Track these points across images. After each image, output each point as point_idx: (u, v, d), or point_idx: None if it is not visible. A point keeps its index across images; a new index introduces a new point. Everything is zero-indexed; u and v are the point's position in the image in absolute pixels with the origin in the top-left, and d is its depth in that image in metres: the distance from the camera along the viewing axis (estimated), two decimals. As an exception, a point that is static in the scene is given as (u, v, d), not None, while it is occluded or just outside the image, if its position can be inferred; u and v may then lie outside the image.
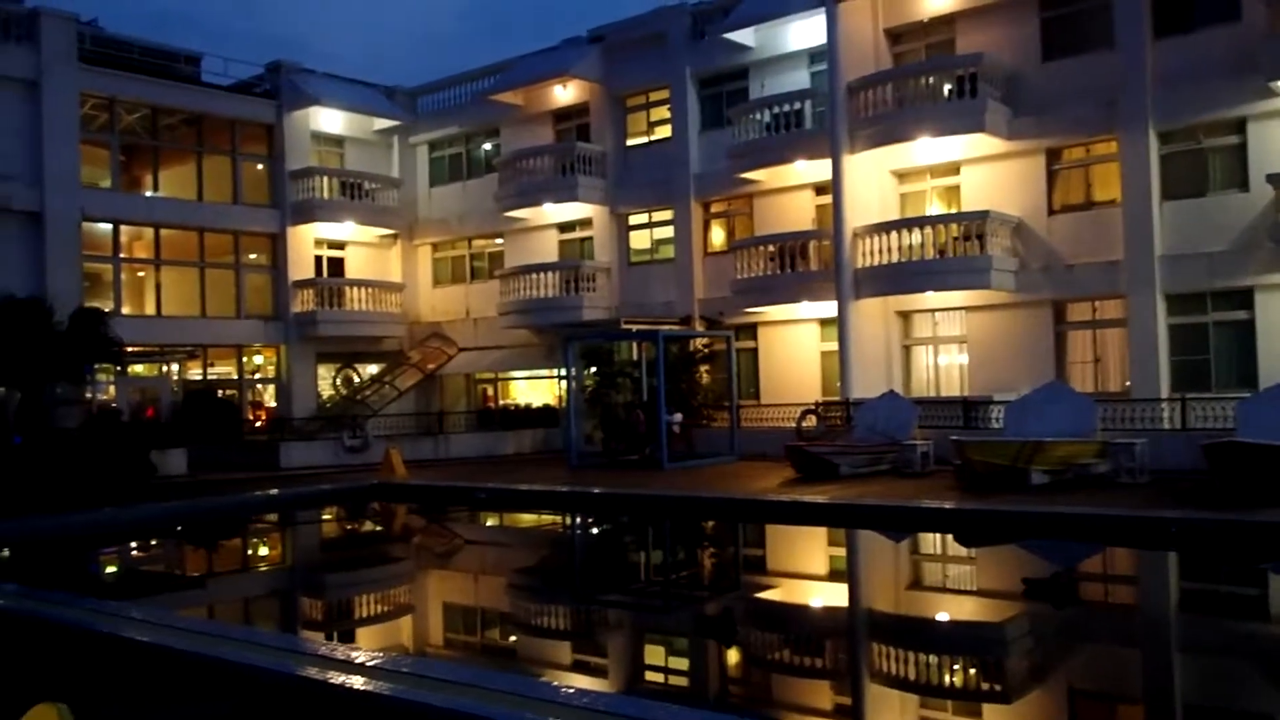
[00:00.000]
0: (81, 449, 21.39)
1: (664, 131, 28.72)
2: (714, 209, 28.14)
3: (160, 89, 30.02)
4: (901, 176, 24.45)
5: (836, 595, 12.52)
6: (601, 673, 8.96)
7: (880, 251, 23.12)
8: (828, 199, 24.57)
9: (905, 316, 24.42)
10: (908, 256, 22.67)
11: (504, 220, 31.06)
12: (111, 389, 28.48)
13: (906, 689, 8.03)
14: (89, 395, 27.17)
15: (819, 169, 24.54)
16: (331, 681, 6.12)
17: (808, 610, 11.61)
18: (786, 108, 24.92)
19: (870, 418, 20.78)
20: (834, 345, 24.43)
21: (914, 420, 20.42)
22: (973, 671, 8.54)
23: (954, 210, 23.32)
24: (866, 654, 9.48)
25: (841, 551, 15.07)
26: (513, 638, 10.65)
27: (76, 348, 22.06)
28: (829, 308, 24.15)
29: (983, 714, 7.46)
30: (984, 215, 21.93)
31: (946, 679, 8.39)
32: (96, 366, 25.17)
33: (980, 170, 23.06)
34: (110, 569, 16.14)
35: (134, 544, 17.53)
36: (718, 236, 28.05)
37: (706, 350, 26.71)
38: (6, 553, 15.64)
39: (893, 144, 23.24)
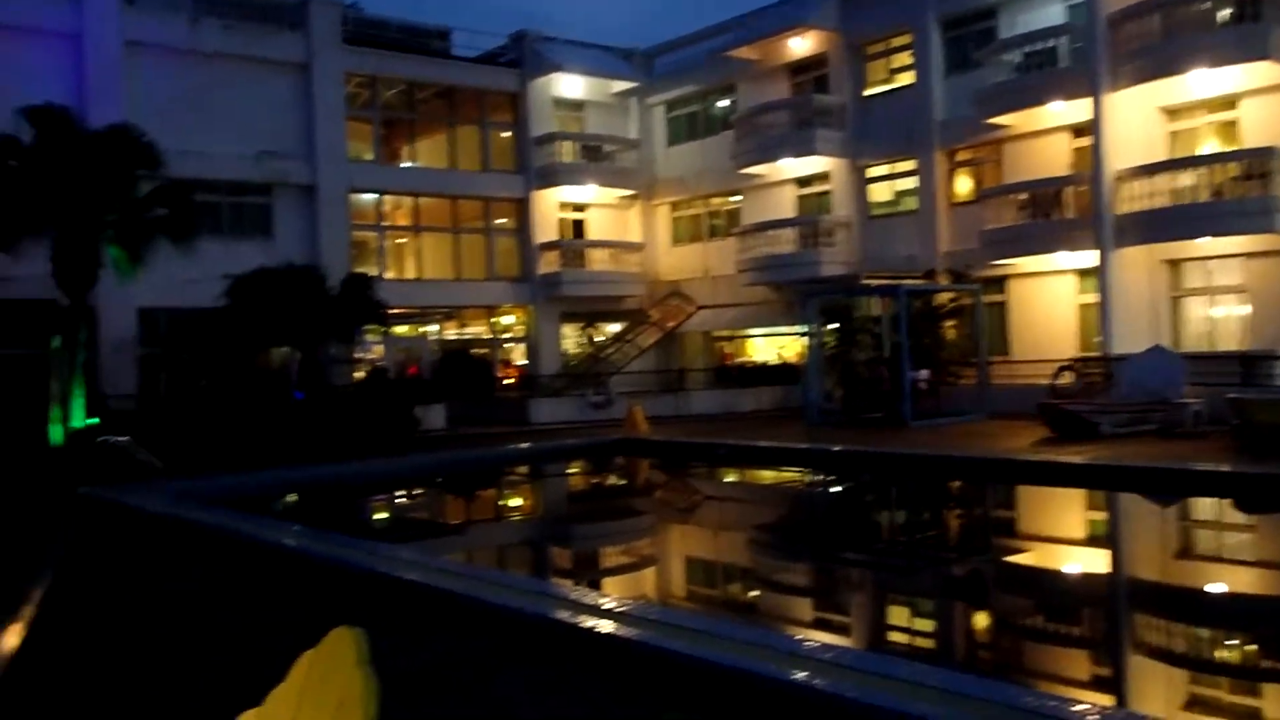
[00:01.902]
0: (355, 405, 23.12)
1: (905, 79, 27.76)
2: (959, 157, 27.01)
3: (415, 65, 31.66)
4: (1170, 113, 22.63)
5: (1096, 561, 11.88)
6: (843, 630, 8.89)
7: (1146, 195, 21.55)
8: (1086, 141, 23.09)
9: (1174, 265, 22.69)
10: (1178, 200, 21.02)
11: (741, 177, 30.99)
12: (378, 349, 30.53)
13: (1174, 663, 7.54)
14: (358, 355, 29.22)
15: (1076, 110, 23.08)
16: (582, 625, 6.36)
17: (1064, 576, 11.07)
18: (1039, 46, 23.54)
19: (1134, 374, 19.50)
20: (1093, 297, 23.04)
21: (1183, 376, 19.01)
22: (1251, 649, 7.92)
23: (1232, 148, 21.40)
24: (1130, 625, 8.96)
25: (1102, 516, 14.28)
26: (753, 592, 10.72)
27: (348, 311, 23.75)
28: (1087, 257, 22.77)
29: (1262, 695, 6.91)
30: (1268, 152, 20.02)
31: (1220, 655, 7.82)
32: (365, 328, 27.02)
33: (1264, 102, 21.01)
34: (380, 515, 17.39)
35: (401, 492, 18.81)
36: (963, 186, 26.93)
37: (952, 305, 25.77)
38: (293, 498, 17.11)
39: (1160, 78, 21.53)
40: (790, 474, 18.68)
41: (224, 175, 27.15)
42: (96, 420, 20.04)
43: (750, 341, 33.69)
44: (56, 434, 20.11)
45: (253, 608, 8.08)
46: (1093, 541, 12.93)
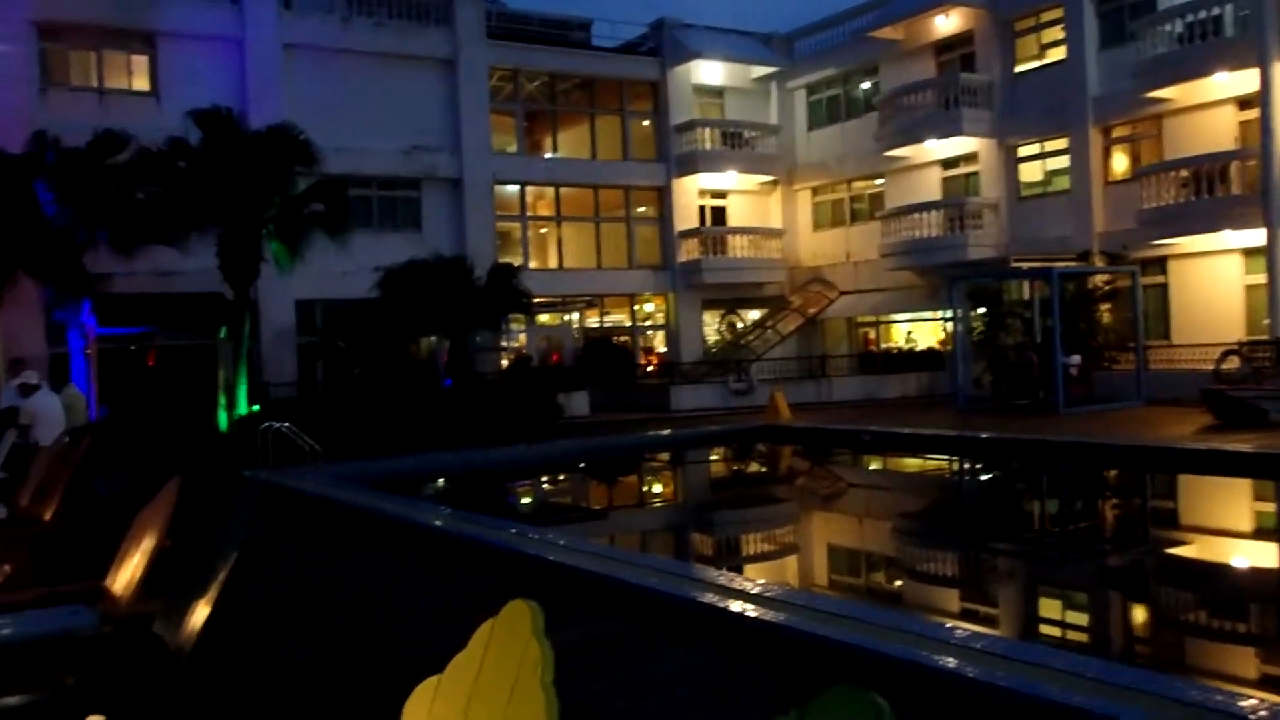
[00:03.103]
0: (500, 392, 23.69)
1: (1057, 54, 26.75)
2: (1115, 133, 25.91)
3: (557, 57, 32.12)
4: (1348, 81, 21.23)
5: (1265, 555, 11.31)
6: (992, 622, 8.71)
7: (1320, 169, 20.29)
8: (1253, 114, 21.85)
9: (1352, 243, 21.31)
10: (1356, 173, 19.73)
11: (884, 160, 30.44)
12: (522, 337, 31.17)
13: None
14: (503, 343, 29.89)
15: (1242, 81, 21.86)
16: (729, 609, 6.42)
17: (1231, 570, 10.58)
18: (1203, 14, 22.36)
19: (1306, 358, 18.42)
20: (1261, 278, 21.82)
21: (1363, 361, 17.86)
22: None
23: None
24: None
25: (1270, 507, 13.57)
26: (898, 581, 10.59)
27: (493, 300, 24.31)
28: (1255, 236, 21.58)
29: None
30: None
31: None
32: (509, 316, 27.61)
33: None
34: (526, 499, 17.80)
35: (544, 477, 19.21)
36: (1119, 164, 25.83)
37: (1107, 287, 24.80)
38: (441, 482, 17.67)
39: (1337, 44, 20.22)
40: (937, 461, 18.34)
41: (375, 170, 28.08)
42: (258, 407, 21.08)
43: (894, 327, 33.12)
44: (223, 420, 21.27)
45: (407, 585, 8.41)
46: (1261, 534, 12.30)
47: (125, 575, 4.46)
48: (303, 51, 27.16)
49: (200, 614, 3.32)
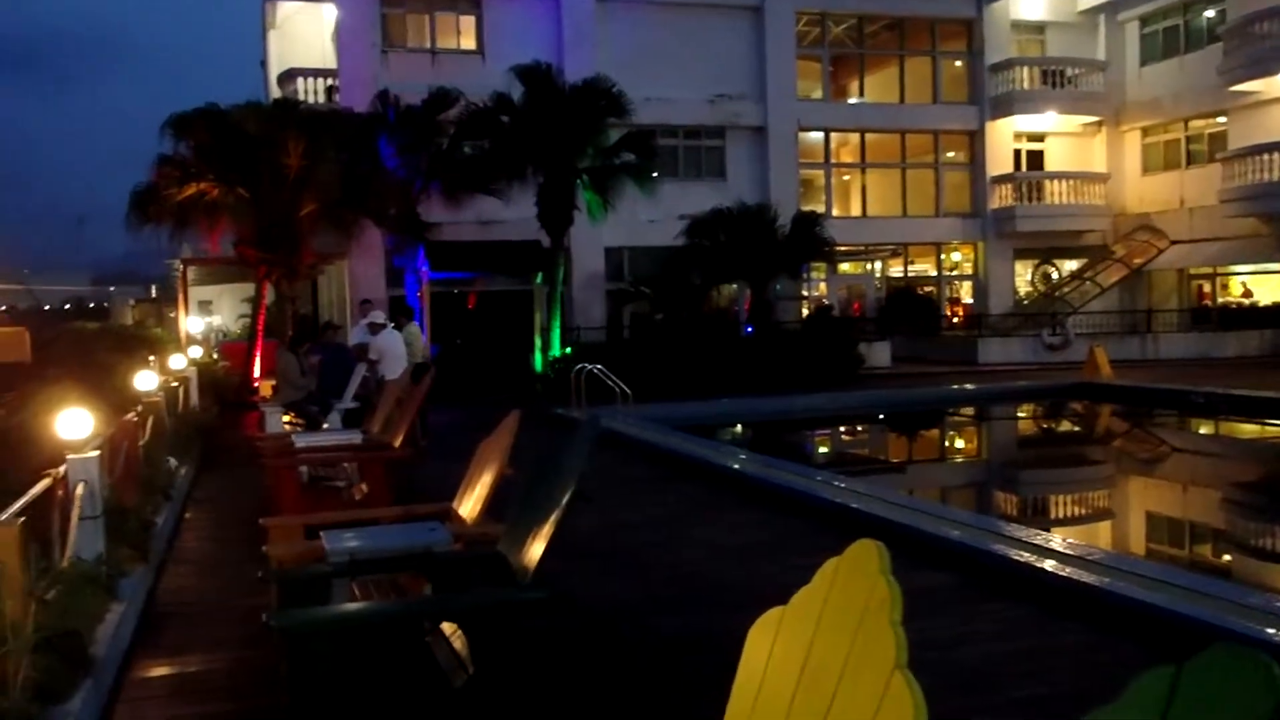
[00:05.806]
0: (800, 340, 23.72)
1: None
2: None
3: (865, -2, 31.30)
4: None
5: None
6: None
7: None
8: None
9: None
10: None
11: (1228, 96, 27.61)
12: (823, 286, 30.95)
13: None
14: (804, 292, 29.82)
15: None
16: (1046, 569, 6.21)
17: None
18: None
19: None
20: None
21: None
22: None
23: None
24: None
25: None
26: (1228, 555, 9.78)
27: (795, 248, 24.29)
28: None
29: None
30: None
31: None
32: (811, 265, 27.49)
33: None
34: (823, 448, 17.79)
35: (843, 427, 19.10)
36: None
37: None
38: (739, 428, 17.96)
39: None
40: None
41: (680, 120, 28.55)
42: (570, 350, 22.21)
43: (1234, 280, 30.23)
44: (538, 361, 22.59)
45: (722, 525, 8.68)
46: None
47: (471, 499, 4.90)
48: (614, 5, 27.91)
49: (539, 541, 3.60)
